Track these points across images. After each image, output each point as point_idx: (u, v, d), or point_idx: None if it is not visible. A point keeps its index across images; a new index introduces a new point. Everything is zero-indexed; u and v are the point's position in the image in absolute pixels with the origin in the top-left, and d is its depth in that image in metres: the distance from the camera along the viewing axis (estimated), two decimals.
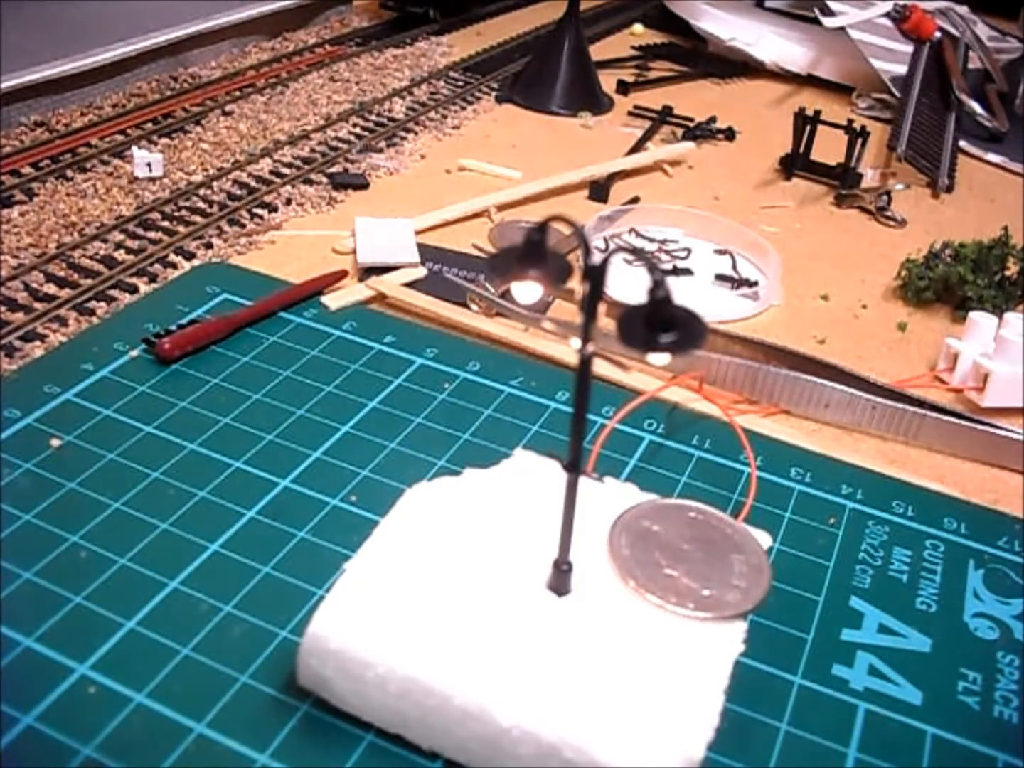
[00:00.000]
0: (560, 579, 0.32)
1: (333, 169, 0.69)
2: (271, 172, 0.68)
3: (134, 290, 0.53)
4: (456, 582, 0.32)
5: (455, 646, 0.30)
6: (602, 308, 0.29)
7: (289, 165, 0.69)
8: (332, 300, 0.53)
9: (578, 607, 0.32)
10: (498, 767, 0.29)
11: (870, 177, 0.77)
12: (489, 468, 0.37)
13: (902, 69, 0.92)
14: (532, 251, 0.27)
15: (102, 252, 0.56)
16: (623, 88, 0.91)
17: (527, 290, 0.28)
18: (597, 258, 0.27)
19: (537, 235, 0.27)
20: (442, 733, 0.30)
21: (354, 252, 0.58)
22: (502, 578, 0.32)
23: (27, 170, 0.64)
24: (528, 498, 0.35)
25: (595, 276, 0.27)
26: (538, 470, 0.37)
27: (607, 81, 0.90)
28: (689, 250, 0.64)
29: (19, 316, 0.49)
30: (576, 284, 0.27)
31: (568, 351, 0.49)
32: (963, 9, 1.05)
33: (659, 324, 0.26)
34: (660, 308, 0.26)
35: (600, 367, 0.48)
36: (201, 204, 0.63)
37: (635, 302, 0.27)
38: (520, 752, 0.28)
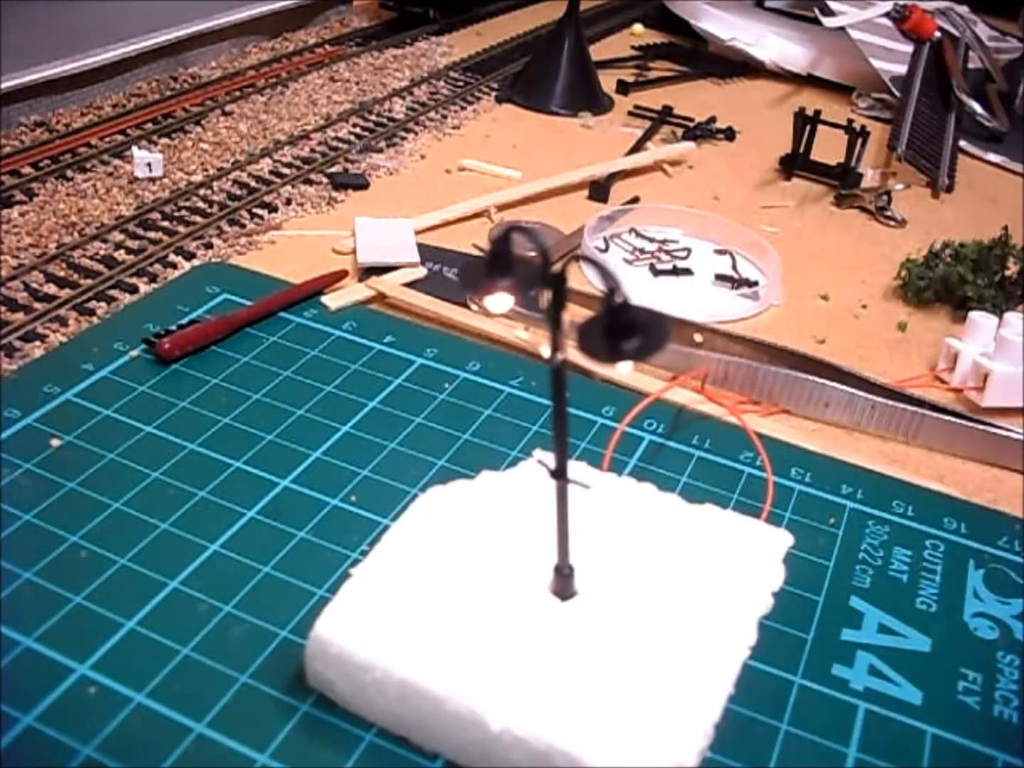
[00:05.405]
0: (562, 584, 0.32)
1: (333, 169, 0.69)
2: (271, 172, 0.68)
3: (134, 290, 0.53)
4: (461, 587, 0.32)
5: (451, 651, 0.30)
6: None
7: (289, 165, 0.69)
8: (332, 300, 0.52)
9: (579, 612, 0.32)
10: None
11: (870, 177, 0.77)
12: (505, 471, 0.37)
13: (902, 69, 0.92)
14: (499, 261, 0.27)
15: (102, 252, 0.56)
16: (623, 88, 0.91)
17: (499, 301, 0.27)
18: (558, 266, 0.26)
19: (502, 245, 0.26)
20: (440, 737, 0.30)
21: (354, 252, 0.58)
22: (507, 583, 0.32)
23: (27, 170, 0.64)
24: (542, 502, 0.35)
25: (558, 284, 0.26)
26: None
27: (607, 81, 0.90)
28: (689, 250, 0.64)
29: (19, 316, 0.49)
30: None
31: (569, 351, 0.49)
32: (963, 9, 1.05)
33: (619, 331, 0.26)
34: (618, 315, 0.26)
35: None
36: (201, 204, 0.63)
37: (592, 313, 0.26)
38: (512, 757, 0.28)
